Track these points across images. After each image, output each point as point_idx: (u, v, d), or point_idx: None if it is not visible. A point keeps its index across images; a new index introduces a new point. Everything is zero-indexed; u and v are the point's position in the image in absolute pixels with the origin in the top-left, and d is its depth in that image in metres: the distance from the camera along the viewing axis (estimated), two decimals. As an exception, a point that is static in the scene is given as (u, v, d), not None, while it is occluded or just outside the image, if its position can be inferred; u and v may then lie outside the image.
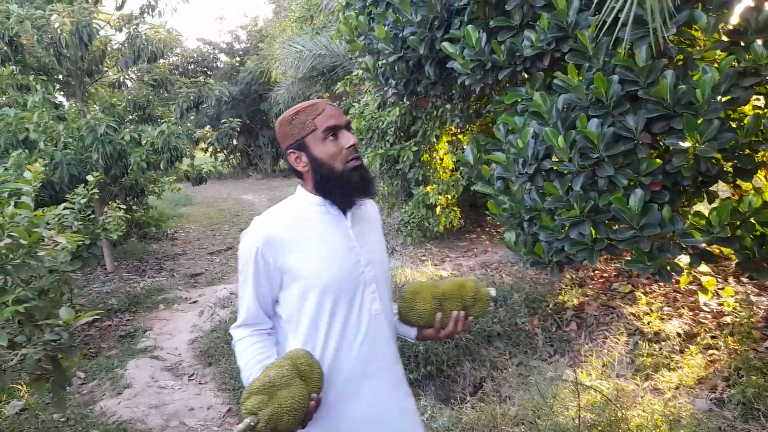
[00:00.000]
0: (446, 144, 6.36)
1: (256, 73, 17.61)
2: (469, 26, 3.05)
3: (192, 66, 20.81)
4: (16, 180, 3.79)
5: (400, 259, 6.34)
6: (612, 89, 2.55)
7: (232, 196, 14.98)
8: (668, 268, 2.63)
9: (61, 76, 6.64)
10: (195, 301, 5.76)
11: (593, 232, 2.83)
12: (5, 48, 5.34)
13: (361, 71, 6.80)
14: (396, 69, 4.13)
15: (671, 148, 2.53)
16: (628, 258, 2.67)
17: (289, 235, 1.44)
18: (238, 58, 21.03)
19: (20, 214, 3.51)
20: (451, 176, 6.33)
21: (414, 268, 5.50)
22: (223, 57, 21.58)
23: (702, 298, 3.93)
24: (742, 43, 2.55)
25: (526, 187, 3.14)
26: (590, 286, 4.49)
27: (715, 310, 3.84)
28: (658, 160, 2.57)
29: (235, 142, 19.78)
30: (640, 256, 2.61)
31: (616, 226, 2.79)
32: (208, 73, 20.48)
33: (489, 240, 6.85)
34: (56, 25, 4.98)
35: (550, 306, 4.17)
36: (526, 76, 3.30)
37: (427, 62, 3.84)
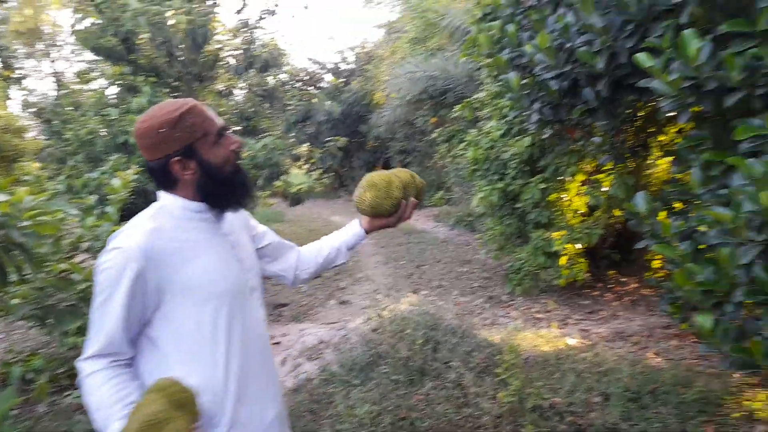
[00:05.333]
0: (580, 184, 5.44)
1: (360, 95, 17.47)
2: (688, 31, 2.22)
3: (299, 84, 21.16)
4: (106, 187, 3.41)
5: (511, 314, 5.44)
6: None
7: (322, 217, 14.67)
8: None
9: (170, 79, 6.46)
10: (278, 342, 5.16)
11: None
12: (120, 45, 5.15)
13: (492, 92, 6.09)
14: (548, 89, 3.35)
15: None
16: None
17: (175, 247, 1.37)
18: (343, 79, 21.15)
19: (102, 226, 3.08)
20: (581, 221, 5.39)
21: (534, 329, 4.60)
22: (328, 77, 21.82)
23: None
24: None
25: (747, 257, 2.21)
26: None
27: None
28: None
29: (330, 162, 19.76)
30: None
31: None
32: (313, 92, 20.74)
33: (617, 301, 5.78)
34: (171, 22, 4.69)
35: (732, 413, 3.13)
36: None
37: (596, 81, 3.03)
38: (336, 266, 1.92)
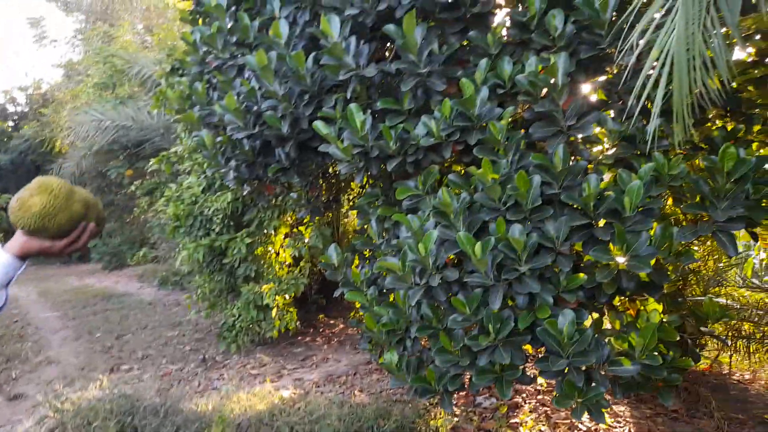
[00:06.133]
0: (284, 237, 5.63)
1: (35, 142, 14.96)
2: (353, 105, 2.51)
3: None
4: None
5: (225, 375, 5.22)
6: (532, 192, 2.18)
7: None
8: (596, 403, 2.22)
9: None
10: None
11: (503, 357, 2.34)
12: None
13: (189, 146, 5.86)
14: (242, 148, 3.38)
15: (595, 261, 2.22)
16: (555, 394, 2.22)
17: None
18: (11, 123, 17.83)
19: None
20: (288, 272, 5.56)
21: (249, 389, 4.48)
22: (-9, 120, 18.14)
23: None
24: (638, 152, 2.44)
25: (415, 298, 2.56)
26: (456, 404, 4.02)
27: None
28: (581, 275, 2.23)
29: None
30: (570, 391, 2.18)
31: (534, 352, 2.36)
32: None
33: (327, 344, 6.11)
34: None
35: (423, 433, 3.56)
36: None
37: (284, 143, 3.18)
38: None
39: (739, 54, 3.39)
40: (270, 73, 2.73)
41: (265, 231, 5.49)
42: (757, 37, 3.16)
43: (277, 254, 5.71)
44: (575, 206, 2.21)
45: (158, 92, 5.02)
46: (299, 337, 6.31)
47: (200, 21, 3.72)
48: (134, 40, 14.28)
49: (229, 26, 3.15)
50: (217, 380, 5.12)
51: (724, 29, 1.93)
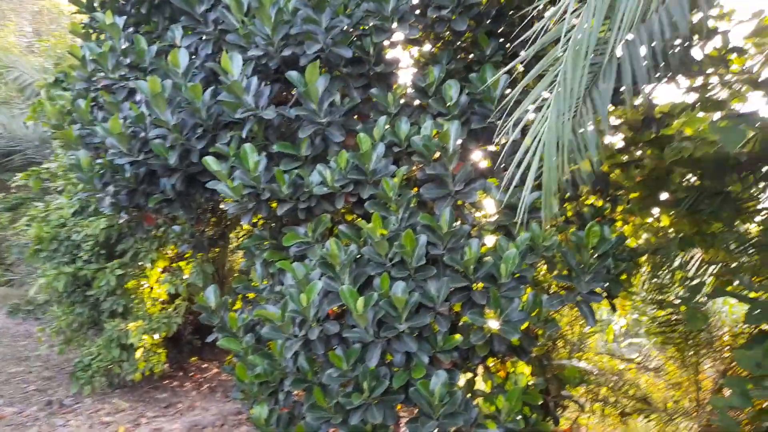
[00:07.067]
0: (161, 271, 5.25)
1: None
2: (248, 145, 2.45)
3: None
4: None
5: (72, 421, 4.66)
6: (418, 250, 2.22)
7: None
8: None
9: None
10: None
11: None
12: None
13: (64, 164, 5.36)
14: (123, 174, 3.15)
15: (471, 322, 2.29)
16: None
17: None
18: None
19: None
20: (161, 310, 5.16)
21: (97, 439, 4.01)
22: None
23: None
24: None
25: (292, 350, 2.47)
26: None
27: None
28: (458, 336, 2.28)
29: None
30: (439, 453, 2.17)
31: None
32: None
33: (196, 390, 5.70)
34: None
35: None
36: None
37: (171, 174, 3.01)
38: None
39: (610, 139, 3.79)
40: (163, 101, 2.60)
41: (141, 263, 5.09)
42: (625, 127, 3.56)
43: (151, 289, 5.30)
44: (457, 268, 2.28)
45: (36, 102, 4.59)
46: (166, 381, 5.83)
47: (93, 36, 3.49)
48: (19, 42, 13.13)
49: (123, 47, 2.98)
50: (61, 427, 4.54)
51: (595, 118, 2.14)
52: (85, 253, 5.14)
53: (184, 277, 5.03)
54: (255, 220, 3.34)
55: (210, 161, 2.51)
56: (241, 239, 4.93)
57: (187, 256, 5.03)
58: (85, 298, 5.34)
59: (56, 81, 4.36)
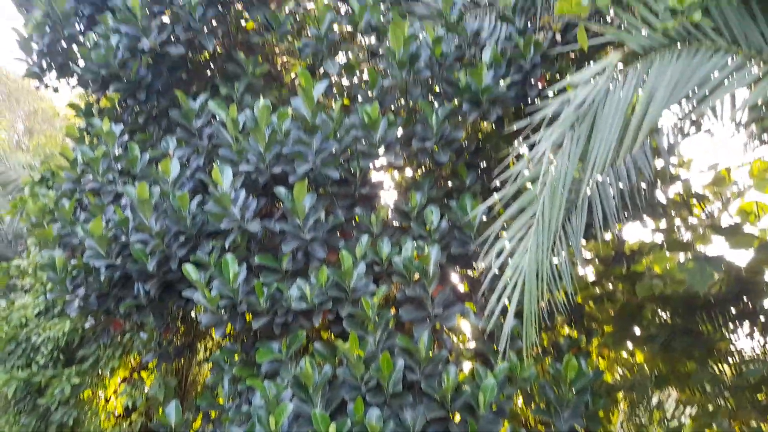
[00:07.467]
0: (121, 381, 4.94)
1: None
2: (229, 255, 2.45)
3: None
4: None
5: None
6: (394, 375, 2.17)
7: None
8: None
9: None
10: None
11: None
12: None
13: (31, 262, 5.24)
14: (97, 277, 3.09)
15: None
16: None
17: None
18: None
19: None
20: (115, 425, 4.79)
21: None
22: None
23: None
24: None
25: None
26: None
27: None
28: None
29: None
30: None
31: None
32: None
33: None
34: None
35: None
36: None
37: (147, 280, 2.96)
38: None
39: (583, 272, 3.89)
40: (149, 207, 2.64)
41: (100, 371, 4.81)
42: (596, 261, 3.68)
43: (107, 401, 4.96)
44: (434, 396, 2.21)
45: (18, 199, 4.59)
46: None
47: (87, 140, 3.60)
48: (9, 138, 13.41)
49: (116, 153, 3.08)
50: None
51: (568, 249, 2.22)
52: (43, 357, 4.86)
53: (145, 390, 4.74)
54: (226, 332, 3.25)
55: (189, 269, 2.49)
56: (209, 350, 4.74)
57: (150, 366, 4.78)
58: (35, 407, 4.95)
59: (42, 179, 4.40)
